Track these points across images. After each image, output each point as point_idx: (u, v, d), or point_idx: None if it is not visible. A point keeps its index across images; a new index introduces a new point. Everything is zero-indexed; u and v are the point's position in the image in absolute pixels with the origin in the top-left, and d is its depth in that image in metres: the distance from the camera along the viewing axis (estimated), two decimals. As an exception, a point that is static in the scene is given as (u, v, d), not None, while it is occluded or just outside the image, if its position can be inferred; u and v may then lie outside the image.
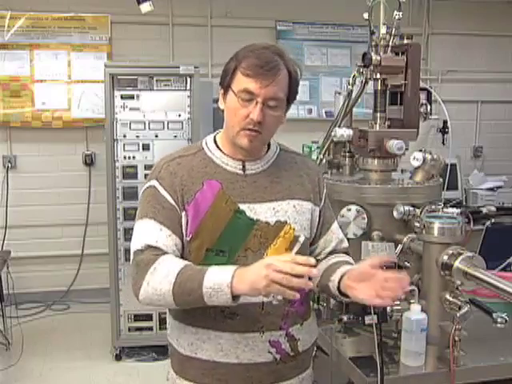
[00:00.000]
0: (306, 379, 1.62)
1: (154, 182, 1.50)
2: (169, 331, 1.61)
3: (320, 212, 1.61)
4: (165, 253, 1.44)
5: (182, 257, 1.48)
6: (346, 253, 1.67)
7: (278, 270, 1.25)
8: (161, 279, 1.38)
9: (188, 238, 1.47)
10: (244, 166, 1.52)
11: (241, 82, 1.42)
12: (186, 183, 1.48)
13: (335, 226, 1.68)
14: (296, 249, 1.37)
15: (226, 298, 1.32)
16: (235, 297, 1.32)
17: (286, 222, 1.51)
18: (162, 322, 3.70)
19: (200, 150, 1.55)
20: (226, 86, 1.47)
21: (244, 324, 1.46)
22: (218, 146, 1.54)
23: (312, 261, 1.29)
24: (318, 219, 1.60)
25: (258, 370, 1.50)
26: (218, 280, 1.32)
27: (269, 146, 1.59)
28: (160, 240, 1.45)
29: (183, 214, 1.47)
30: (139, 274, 1.42)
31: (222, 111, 1.51)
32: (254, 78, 1.40)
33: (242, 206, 1.48)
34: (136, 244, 1.46)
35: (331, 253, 1.64)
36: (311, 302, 1.75)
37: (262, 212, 1.49)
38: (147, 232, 1.46)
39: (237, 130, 1.45)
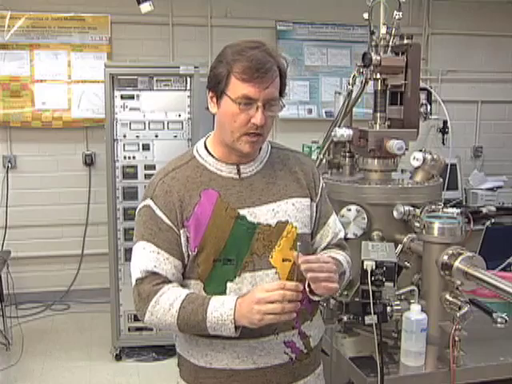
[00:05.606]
0: (320, 374, 1.64)
1: (149, 202, 1.48)
2: (178, 343, 1.59)
3: (316, 207, 1.59)
4: (164, 280, 1.46)
5: (187, 271, 1.49)
6: (340, 245, 1.65)
7: (269, 301, 1.29)
8: (164, 312, 1.43)
9: (194, 253, 1.46)
10: (239, 170, 1.50)
11: (237, 87, 1.38)
12: (183, 198, 1.46)
13: (332, 219, 1.65)
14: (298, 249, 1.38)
15: (230, 332, 1.38)
16: (237, 327, 1.37)
17: (288, 222, 1.50)
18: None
19: (192, 158, 1.52)
20: (219, 91, 1.42)
21: (258, 329, 1.42)
22: (209, 152, 1.52)
23: (300, 287, 1.34)
24: (314, 214, 1.59)
25: (276, 372, 1.50)
26: (221, 315, 1.36)
27: None
28: (158, 265, 1.46)
29: (182, 231, 1.46)
30: (141, 304, 1.47)
31: (213, 115, 1.48)
32: (252, 83, 1.37)
33: (242, 212, 1.47)
34: (136, 271, 1.48)
35: (325, 248, 1.62)
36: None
37: (262, 215, 1.48)
38: (145, 257, 1.47)
39: (237, 135, 1.42)
